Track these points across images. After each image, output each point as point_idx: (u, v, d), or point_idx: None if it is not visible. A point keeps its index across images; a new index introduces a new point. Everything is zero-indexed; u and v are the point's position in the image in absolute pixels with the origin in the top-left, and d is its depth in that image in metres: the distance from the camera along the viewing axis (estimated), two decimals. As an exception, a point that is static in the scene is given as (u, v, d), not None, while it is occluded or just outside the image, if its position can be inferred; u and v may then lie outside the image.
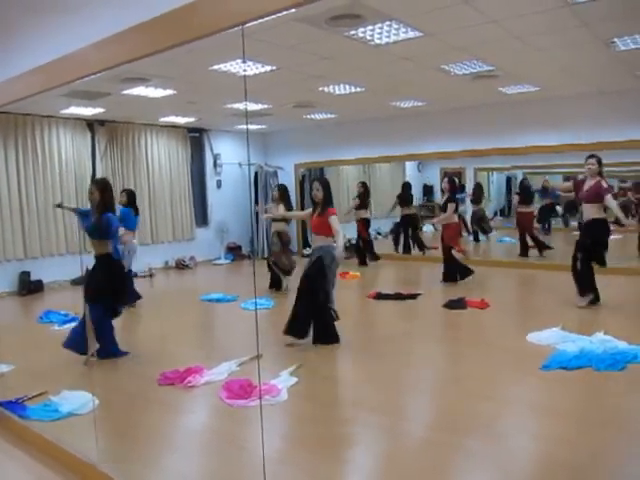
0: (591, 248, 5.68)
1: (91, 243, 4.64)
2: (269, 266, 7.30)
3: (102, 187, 4.57)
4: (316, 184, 4.89)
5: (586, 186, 5.73)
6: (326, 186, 4.88)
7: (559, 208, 10.52)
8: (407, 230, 10.02)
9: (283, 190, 7.19)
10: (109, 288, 4.46)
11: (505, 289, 7.46)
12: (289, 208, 7.11)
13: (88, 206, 4.70)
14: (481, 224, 10.59)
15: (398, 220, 10.16)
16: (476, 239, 10.81)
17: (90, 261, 4.54)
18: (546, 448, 2.92)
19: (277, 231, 7.16)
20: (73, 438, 3.02)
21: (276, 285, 7.23)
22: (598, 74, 6.56)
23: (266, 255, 10.71)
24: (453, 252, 7.48)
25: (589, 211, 5.72)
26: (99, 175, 8.60)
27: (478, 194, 10.52)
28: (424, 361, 4.43)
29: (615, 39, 4.94)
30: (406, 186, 10.00)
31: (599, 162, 5.69)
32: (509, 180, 11.65)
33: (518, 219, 9.40)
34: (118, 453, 3.08)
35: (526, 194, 9.23)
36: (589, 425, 3.14)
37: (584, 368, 3.96)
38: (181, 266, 9.69)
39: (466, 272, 7.37)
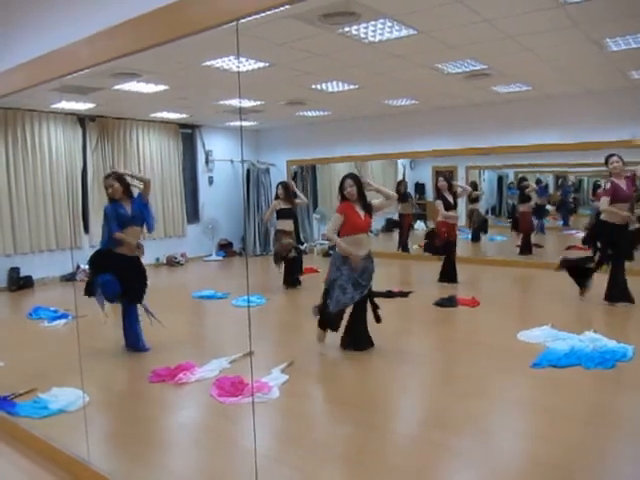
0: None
1: (130, 237, 4.51)
2: (286, 261, 7.23)
3: (118, 177, 4.57)
4: (349, 181, 4.38)
5: (624, 185, 5.56)
6: (359, 183, 4.43)
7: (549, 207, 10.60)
8: (403, 229, 10.04)
9: (288, 187, 7.40)
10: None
11: (496, 287, 7.49)
12: (293, 203, 7.28)
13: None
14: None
15: (397, 219, 10.23)
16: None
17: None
18: (535, 446, 2.94)
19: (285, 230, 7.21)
20: (63, 435, 3.00)
21: (291, 280, 7.26)
22: (590, 74, 6.59)
23: (258, 252, 10.74)
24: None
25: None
26: (90, 170, 8.57)
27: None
28: (414, 359, 4.44)
29: (607, 39, 4.97)
30: (401, 184, 10.05)
31: (622, 159, 5.60)
32: (500, 179, 11.69)
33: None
34: (109, 450, 3.08)
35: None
36: (578, 423, 3.16)
37: (574, 366, 3.99)
38: (172, 263, 9.64)
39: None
